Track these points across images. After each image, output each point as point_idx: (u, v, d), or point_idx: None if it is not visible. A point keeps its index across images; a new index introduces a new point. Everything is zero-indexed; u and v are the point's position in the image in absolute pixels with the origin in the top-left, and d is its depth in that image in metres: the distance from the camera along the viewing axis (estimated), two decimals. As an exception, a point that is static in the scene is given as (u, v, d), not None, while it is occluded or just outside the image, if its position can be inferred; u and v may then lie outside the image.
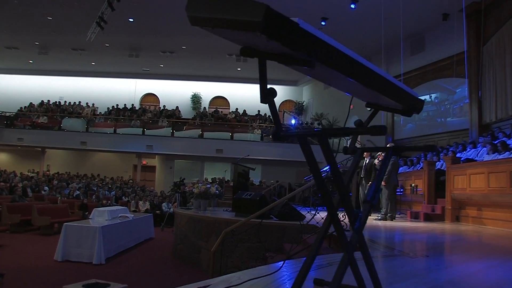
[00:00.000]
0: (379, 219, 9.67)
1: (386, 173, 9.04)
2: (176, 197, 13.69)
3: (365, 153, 10.66)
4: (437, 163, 10.99)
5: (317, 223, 5.69)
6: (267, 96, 1.51)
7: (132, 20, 17.84)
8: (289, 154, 21.29)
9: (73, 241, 7.61)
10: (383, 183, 9.10)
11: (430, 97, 17.31)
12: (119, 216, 9.63)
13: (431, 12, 15.50)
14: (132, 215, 9.97)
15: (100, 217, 9.04)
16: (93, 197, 16.48)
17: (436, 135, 16.65)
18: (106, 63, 23.93)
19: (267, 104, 1.49)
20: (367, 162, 10.49)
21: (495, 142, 9.28)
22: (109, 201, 15.39)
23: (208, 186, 8.56)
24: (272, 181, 20.83)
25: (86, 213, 13.25)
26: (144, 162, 23.91)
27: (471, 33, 14.80)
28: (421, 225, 7.96)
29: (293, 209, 7.70)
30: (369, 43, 19.13)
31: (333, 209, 1.77)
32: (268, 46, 1.37)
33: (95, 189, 17.84)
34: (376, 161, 10.12)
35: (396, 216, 9.62)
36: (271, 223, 7.26)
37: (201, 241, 7.81)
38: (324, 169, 17.58)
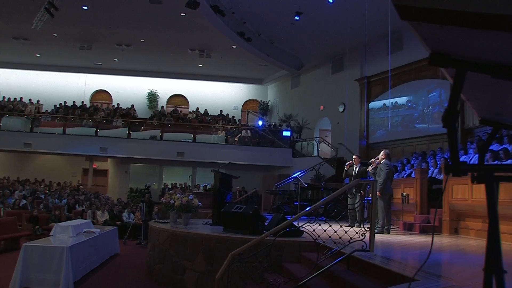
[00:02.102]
0: (376, 232, 9.40)
1: (381, 182, 8.74)
2: (141, 206, 12.85)
3: (354, 158, 10.39)
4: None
5: (317, 239, 5.20)
6: (452, 117, 1.36)
7: (86, 8, 16.77)
8: (256, 158, 20.85)
9: (35, 264, 6.73)
10: (378, 193, 8.81)
11: (409, 99, 17.39)
12: (84, 232, 8.78)
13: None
14: (99, 230, 9.13)
15: (63, 233, 8.16)
16: (41, 206, 15.26)
17: (415, 140, 16.70)
18: (53, 55, 22.49)
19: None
20: (357, 169, 10.21)
21: (497, 150, 9.21)
22: (57, 211, 14.25)
23: (190, 197, 7.91)
24: (238, 187, 20.30)
25: (37, 227, 12.16)
26: (94, 166, 22.67)
27: (452, 33, 14.92)
28: (425, 239, 7.69)
29: (291, 224, 7.19)
30: (343, 41, 19.01)
31: None
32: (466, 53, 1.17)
33: (42, 197, 16.56)
34: (370, 168, 9.84)
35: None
36: (267, 241, 6.74)
37: (185, 261, 7.16)
38: (294, 175, 17.34)
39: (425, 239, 7.65)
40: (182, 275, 7.16)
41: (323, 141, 21.17)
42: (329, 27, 17.81)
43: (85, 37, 19.92)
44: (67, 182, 21.30)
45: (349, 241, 5.19)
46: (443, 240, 7.57)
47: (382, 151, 9.13)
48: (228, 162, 11.13)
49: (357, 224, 10.08)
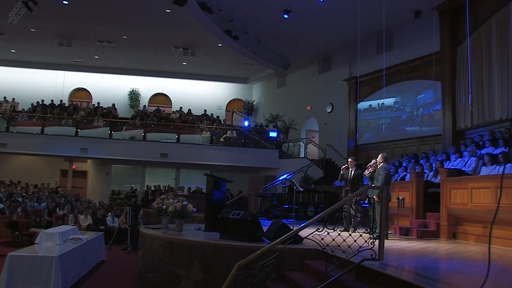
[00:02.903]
0: (375, 238, 9.33)
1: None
2: (127, 210, 12.56)
3: (350, 161, 10.31)
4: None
5: (325, 248, 5.07)
6: None
7: (67, 2, 16.32)
8: (242, 159, 20.70)
9: (21, 275, 6.45)
10: (376, 198, 8.75)
11: (397, 101, 17.46)
12: (70, 239, 8.50)
13: (402, 9, 15.49)
14: (86, 236, 8.85)
15: (49, 241, 7.87)
16: (19, 210, 14.80)
17: (405, 141, 16.76)
18: (30, 51, 21.92)
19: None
20: (353, 172, 10.14)
21: (495, 153, 9.25)
22: (37, 216, 13.87)
23: (185, 203, 7.72)
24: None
25: (16, 233, 11.76)
26: (73, 167, 22.17)
27: (445, 33, 15.00)
28: (429, 245, 7.65)
29: (290, 229, 7.06)
30: (331, 41, 19.03)
31: None
32: None
33: (20, 200, 16.09)
34: (366, 172, 9.78)
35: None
36: (259, 248, 6.56)
37: (181, 270, 6.96)
38: (282, 178, 17.24)
39: (428, 245, 7.61)
40: (178, 284, 6.96)
41: (310, 142, 21.12)
42: (318, 26, 17.75)
43: (65, 33, 19.44)
44: (45, 184, 20.79)
45: (358, 249, 5.08)
46: (447, 246, 7.53)
47: (380, 155, 9.06)
48: (220, 165, 10.94)
49: (352, 229, 10.03)
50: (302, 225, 5.25)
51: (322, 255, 6.17)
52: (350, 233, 9.77)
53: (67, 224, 13.92)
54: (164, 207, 8.23)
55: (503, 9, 13.07)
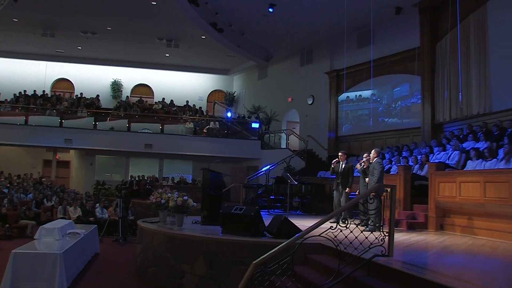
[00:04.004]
0: (368, 230, 9.37)
1: (375, 181, 8.72)
2: (118, 202, 12.29)
3: (340, 155, 10.30)
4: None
5: (338, 246, 5.03)
6: None
7: (52, -7, 15.77)
8: (225, 150, 20.52)
9: (25, 272, 6.21)
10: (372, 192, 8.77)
11: (376, 92, 17.59)
12: (68, 233, 8.24)
13: (383, 5, 15.47)
14: (83, 231, 8.59)
15: (48, 236, 7.61)
16: (5, 201, 14.31)
17: (385, 133, 16.90)
18: (11, 41, 21.08)
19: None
20: (343, 166, 10.13)
21: (477, 147, 9.40)
22: (25, 208, 13.45)
23: (185, 198, 7.56)
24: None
25: (7, 225, 11.36)
26: (56, 157, 21.57)
27: (425, 29, 15.14)
28: (422, 237, 7.74)
29: (293, 224, 7.02)
30: (313, 34, 18.97)
31: None
32: None
33: (6, 191, 15.55)
34: (358, 165, 9.80)
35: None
36: (268, 242, 6.53)
37: (184, 265, 6.83)
38: (264, 168, 17.19)
39: (422, 237, 7.69)
40: (181, 279, 6.84)
41: (292, 133, 21.10)
42: (301, 20, 17.67)
43: (49, 24, 18.77)
44: (28, 174, 20.18)
45: (369, 246, 5.07)
46: (441, 238, 7.61)
47: (373, 150, 9.10)
48: (218, 160, 10.80)
49: (343, 220, 10.06)
50: (315, 223, 5.19)
51: (327, 250, 6.17)
52: (341, 224, 9.88)
53: (56, 216, 13.61)
54: (163, 201, 8.05)
55: (480, 8, 13.25)
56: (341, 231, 5.06)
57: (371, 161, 9.02)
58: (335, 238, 5.04)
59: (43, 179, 19.79)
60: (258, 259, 4.77)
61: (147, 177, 20.37)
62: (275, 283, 4.96)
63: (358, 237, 5.19)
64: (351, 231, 5.13)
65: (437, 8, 14.85)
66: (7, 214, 11.81)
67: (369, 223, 9.29)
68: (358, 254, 5.05)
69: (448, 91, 14.16)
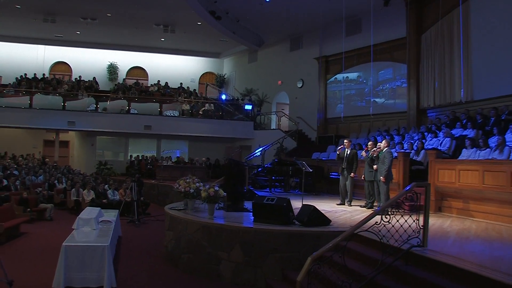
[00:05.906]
0: (369, 208, 9.68)
1: (385, 169, 8.96)
2: (132, 186, 12.24)
3: (346, 142, 10.48)
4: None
5: (381, 239, 5.21)
6: None
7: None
8: (220, 131, 20.58)
9: (75, 264, 6.20)
10: (382, 179, 9.03)
11: (362, 75, 17.82)
12: (100, 222, 8.22)
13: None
14: (113, 218, 8.57)
15: (86, 226, 7.58)
16: (17, 183, 14.05)
17: (372, 117, 17.13)
18: (12, 26, 20.26)
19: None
20: (348, 152, 10.33)
21: (464, 134, 9.75)
22: (42, 192, 13.25)
23: (216, 188, 7.61)
24: (204, 159, 19.98)
25: (28, 209, 11.19)
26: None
27: (411, 21, 15.30)
28: (433, 221, 7.96)
29: (321, 213, 7.19)
30: (305, 21, 18.87)
31: None
32: None
33: (16, 173, 15.23)
34: (363, 153, 10.01)
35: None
36: (300, 231, 6.69)
37: (220, 252, 6.94)
38: (258, 150, 17.30)
39: (434, 221, 7.71)
40: (217, 265, 6.96)
41: (284, 115, 21.20)
42: (294, 8, 17.52)
43: (50, 10, 18.08)
44: (30, 155, 19.75)
45: (407, 238, 5.28)
46: (453, 223, 7.81)
47: (384, 140, 9.31)
48: (238, 149, 10.77)
49: (348, 202, 10.36)
50: (365, 217, 5.36)
51: (365, 241, 6.22)
52: (346, 205, 10.15)
53: (70, 198, 13.48)
54: (191, 191, 8.09)
55: (465, 3, 13.39)
56: (384, 225, 5.24)
57: (381, 150, 9.21)
58: (380, 232, 5.21)
59: (46, 159, 19.42)
60: (315, 254, 4.92)
61: (148, 157, 20.24)
62: (327, 275, 5.15)
63: (395, 228, 5.37)
64: (392, 226, 5.33)
65: (422, 1, 15.02)
66: (28, 199, 11.60)
67: (374, 204, 9.63)
68: (399, 245, 5.26)
69: (432, 79, 14.45)
